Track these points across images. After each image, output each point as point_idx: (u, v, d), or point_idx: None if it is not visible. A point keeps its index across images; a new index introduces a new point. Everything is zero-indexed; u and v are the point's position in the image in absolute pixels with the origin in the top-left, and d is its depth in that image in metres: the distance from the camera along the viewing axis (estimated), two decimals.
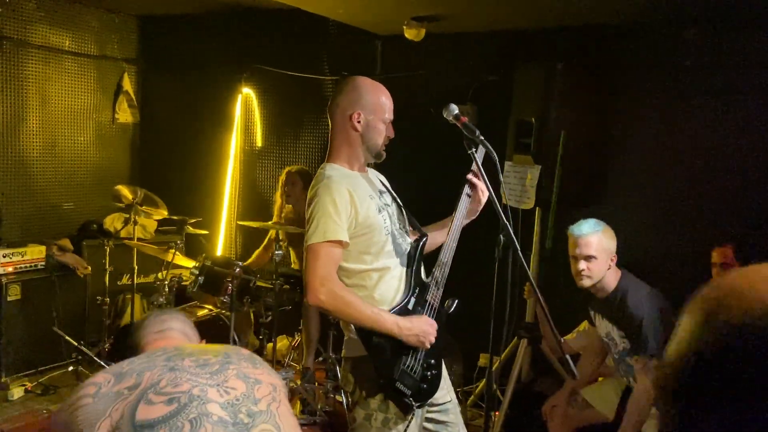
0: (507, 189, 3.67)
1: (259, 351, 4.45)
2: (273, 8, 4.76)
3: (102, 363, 3.76)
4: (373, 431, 2.08)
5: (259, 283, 3.87)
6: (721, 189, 3.63)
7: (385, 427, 2.07)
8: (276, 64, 4.97)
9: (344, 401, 3.81)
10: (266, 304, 4.01)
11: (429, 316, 2.14)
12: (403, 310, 2.10)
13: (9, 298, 4.15)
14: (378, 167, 2.37)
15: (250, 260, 4.46)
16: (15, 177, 4.77)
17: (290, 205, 4.36)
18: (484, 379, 3.92)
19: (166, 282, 3.92)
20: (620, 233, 3.82)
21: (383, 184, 2.32)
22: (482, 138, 2.09)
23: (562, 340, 3.10)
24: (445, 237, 2.21)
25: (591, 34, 3.97)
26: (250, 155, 5.31)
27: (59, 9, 4.96)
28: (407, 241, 2.22)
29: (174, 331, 1.57)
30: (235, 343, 3.72)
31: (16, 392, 4.00)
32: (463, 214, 2.22)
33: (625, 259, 3.64)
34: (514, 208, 3.58)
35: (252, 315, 4.44)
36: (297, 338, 4.39)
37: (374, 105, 2.16)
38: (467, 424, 2.41)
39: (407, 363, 2.07)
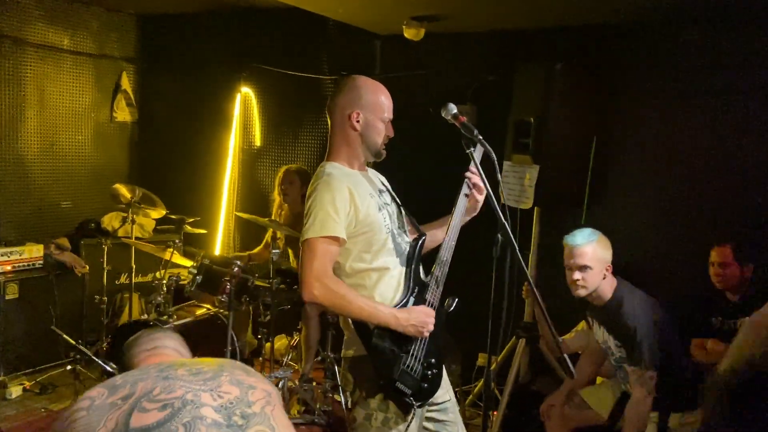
0: (506, 189, 3.66)
1: (258, 350, 4.45)
2: (272, 7, 4.77)
3: (100, 362, 3.75)
4: (373, 431, 2.08)
5: (257, 283, 3.86)
6: (721, 189, 3.63)
7: (385, 427, 2.07)
8: (275, 64, 4.97)
9: (343, 401, 3.81)
10: (264, 303, 4.00)
11: None
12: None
13: (7, 297, 4.15)
14: (377, 167, 2.37)
15: (251, 251, 4.48)
16: (13, 175, 4.76)
17: (288, 204, 4.36)
18: (483, 379, 3.93)
19: (164, 281, 3.91)
20: (620, 233, 3.82)
21: (383, 184, 2.32)
22: (480, 137, 2.08)
23: (561, 340, 3.11)
24: (443, 235, 2.21)
25: (590, 34, 3.97)
26: (249, 154, 5.31)
27: (58, 7, 4.95)
28: (406, 241, 2.22)
29: (167, 348, 1.56)
30: (233, 342, 3.72)
31: (14, 391, 4.00)
32: (461, 212, 2.22)
33: (624, 259, 3.64)
34: (513, 208, 3.57)
35: (250, 314, 4.43)
36: (296, 338, 4.38)
37: (373, 104, 2.16)
38: (466, 424, 2.41)
39: (407, 362, 2.07)
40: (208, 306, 4.10)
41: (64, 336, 3.86)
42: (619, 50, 3.92)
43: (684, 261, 3.68)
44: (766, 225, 3.47)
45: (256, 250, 4.52)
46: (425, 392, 2.11)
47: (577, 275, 2.80)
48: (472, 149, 2.12)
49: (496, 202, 2.06)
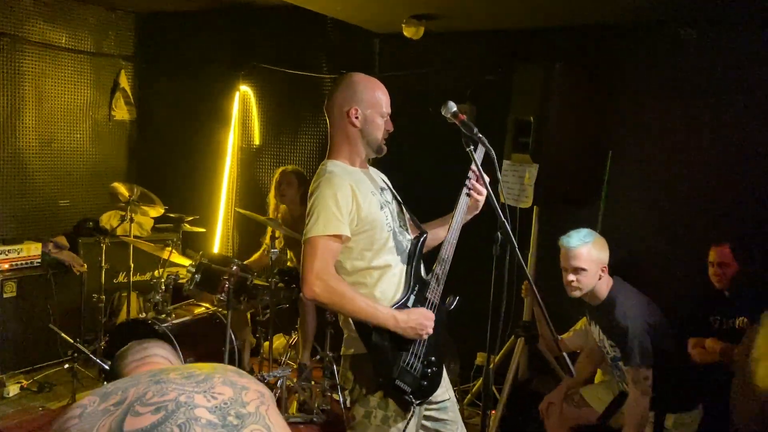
0: (505, 188, 3.67)
1: (256, 349, 4.45)
2: (271, 6, 4.76)
3: (98, 360, 3.74)
4: (372, 429, 2.07)
5: (255, 282, 3.86)
6: (720, 188, 3.64)
7: (384, 425, 2.06)
8: (274, 62, 4.96)
9: (341, 399, 3.81)
10: (263, 302, 4.00)
11: None
12: (402, 308, 2.09)
13: (5, 295, 4.14)
14: (376, 165, 2.36)
15: (249, 260, 4.46)
16: (11, 174, 4.75)
17: (285, 206, 4.34)
18: (482, 378, 3.94)
19: (163, 280, 3.91)
20: (618, 232, 3.84)
21: (384, 182, 2.32)
22: (480, 135, 2.08)
23: (559, 339, 3.11)
24: (445, 234, 2.21)
25: (590, 34, 3.97)
26: (248, 153, 5.30)
27: (56, 5, 4.94)
28: (407, 239, 2.22)
29: (157, 356, 1.55)
30: (231, 340, 3.71)
31: (12, 389, 4.00)
32: (463, 210, 2.22)
33: (623, 258, 3.65)
34: (512, 207, 3.58)
35: (249, 313, 4.43)
36: (294, 336, 4.38)
37: (370, 100, 2.15)
38: (464, 423, 2.41)
39: (407, 361, 2.06)
40: (207, 305, 4.10)
41: (62, 334, 3.85)
42: (618, 50, 3.93)
43: (683, 260, 3.68)
44: (766, 224, 3.47)
45: (253, 258, 4.45)
46: (425, 390, 2.11)
47: (571, 277, 2.81)
48: (473, 147, 2.12)
49: (495, 201, 2.07)
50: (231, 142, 5.30)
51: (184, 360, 3.35)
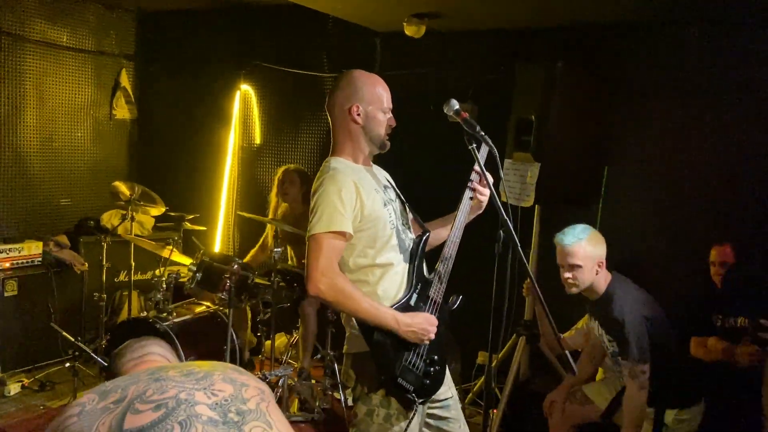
0: (507, 186, 3.66)
1: (257, 348, 4.45)
2: (272, 4, 4.76)
3: (99, 359, 3.74)
4: (374, 427, 2.07)
5: (257, 280, 3.86)
6: (722, 187, 3.63)
7: (387, 423, 2.06)
8: (275, 61, 4.96)
9: (342, 398, 3.81)
10: (264, 301, 4.00)
11: (431, 312, 2.12)
12: (404, 306, 2.09)
13: (6, 294, 4.14)
14: (376, 163, 2.36)
15: (246, 259, 4.44)
16: (12, 172, 4.75)
17: (286, 204, 4.34)
18: (483, 377, 3.93)
19: (164, 278, 3.90)
20: (620, 232, 3.84)
21: (387, 180, 2.32)
22: (483, 133, 2.08)
23: (561, 337, 3.11)
24: (446, 233, 2.20)
25: (591, 33, 3.97)
26: (249, 152, 5.30)
27: (57, 4, 4.94)
28: (410, 237, 2.21)
29: (154, 354, 1.55)
30: (233, 339, 3.71)
31: (13, 388, 4.00)
32: (466, 209, 2.21)
33: (625, 257, 3.64)
34: (514, 206, 3.57)
35: (250, 312, 4.43)
36: (295, 336, 4.38)
37: (371, 96, 2.15)
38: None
39: (409, 359, 2.06)
40: (208, 303, 4.10)
41: (63, 333, 3.84)
42: (619, 49, 3.92)
43: (684, 260, 3.68)
44: (766, 224, 3.47)
45: (249, 255, 4.45)
46: (427, 389, 2.11)
47: (567, 274, 2.82)
48: (475, 146, 2.11)
49: (498, 200, 2.06)
50: (232, 141, 5.31)
51: (186, 359, 3.36)
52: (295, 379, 3.95)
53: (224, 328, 3.73)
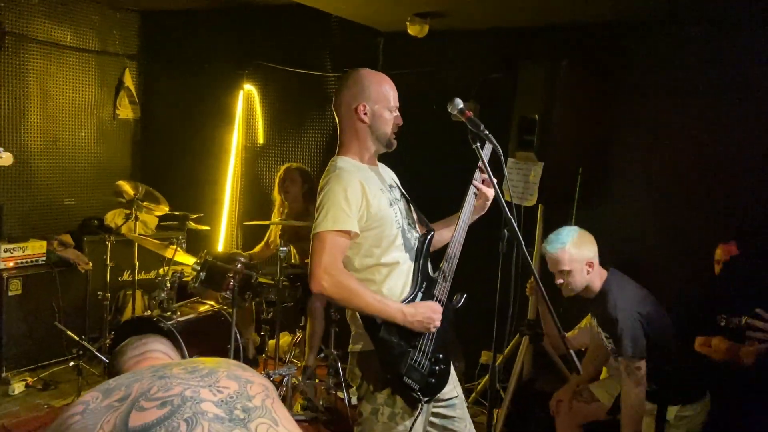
0: (510, 186, 3.66)
1: (261, 347, 4.45)
2: (275, 4, 4.76)
3: (103, 358, 3.76)
4: (379, 426, 2.07)
5: (260, 279, 3.86)
6: (726, 185, 3.63)
7: (392, 422, 2.06)
8: (278, 61, 4.96)
9: (345, 397, 3.81)
10: (268, 300, 4.00)
11: None
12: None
13: (10, 293, 4.15)
14: (381, 160, 2.36)
15: (251, 251, 4.47)
16: (16, 172, 4.76)
17: (288, 202, 4.35)
18: (487, 376, 3.93)
19: (168, 278, 3.91)
20: (624, 231, 3.84)
21: (393, 179, 2.32)
22: (487, 132, 2.08)
23: (565, 336, 3.11)
24: (452, 234, 2.20)
25: (595, 32, 3.96)
26: (252, 152, 5.31)
27: (61, 4, 4.95)
28: (415, 236, 2.21)
29: (156, 352, 1.55)
30: (236, 338, 3.71)
31: (17, 387, 4.01)
32: (470, 209, 2.22)
33: (627, 256, 3.64)
34: (517, 205, 3.57)
35: (253, 311, 4.43)
36: (298, 335, 4.38)
37: (378, 95, 2.15)
38: None
39: (415, 357, 2.06)
40: (212, 302, 4.10)
41: (67, 332, 3.86)
42: (622, 48, 3.91)
43: (689, 259, 3.67)
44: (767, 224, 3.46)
45: (256, 249, 4.52)
46: (433, 387, 2.11)
47: (559, 280, 2.84)
48: (479, 145, 2.11)
49: (502, 198, 2.06)
50: (235, 141, 5.31)
51: (190, 357, 3.36)
52: (299, 378, 3.95)
53: (228, 327, 3.73)
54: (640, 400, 2.73)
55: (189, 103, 5.45)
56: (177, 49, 5.52)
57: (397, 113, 2.20)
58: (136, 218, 4.37)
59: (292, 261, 4.41)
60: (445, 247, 2.21)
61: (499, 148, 2.10)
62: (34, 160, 4.90)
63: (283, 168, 4.40)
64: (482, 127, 2.08)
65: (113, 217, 4.95)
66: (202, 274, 3.81)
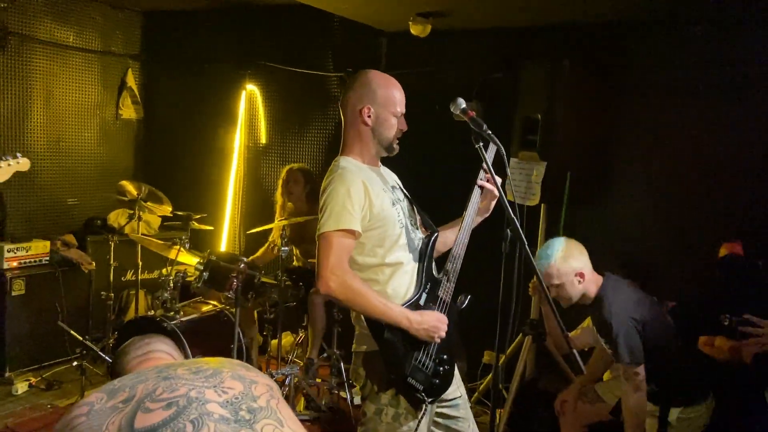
0: (512, 186, 3.67)
1: (263, 347, 4.45)
2: (277, 4, 4.77)
3: (106, 358, 3.76)
4: (383, 426, 2.07)
5: (263, 279, 3.87)
6: (729, 185, 3.63)
7: (395, 422, 2.06)
8: (280, 61, 4.97)
9: (348, 397, 3.81)
10: (271, 300, 4.01)
11: (440, 311, 2.12)
12: (414, 306, 2.09)
13: (13, 293, 4.16)
14: (387, 163, 2.36)
15: (254, 256, 4.47)
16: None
17: (292, 203, 4.35)
18: (489, 376, 3.93)
19: (171, 277, 3.91)
20: (627, 231, 3.83)
21: (395, 181, 2.32)
22: (490, 132, 2.08)
23: (569, 336, 3.10)
24: (453, 237, 2.20)
25: (597, 32, 3.96)
26: (255, 152, 5.31)
27: (64, 4, 4.96)
28: (419, 237, 2.22)
29: (160, 352, 1.54)
30: (239, 338, 3.72)
31: (21, 387, 4.01)
32: (474, 209, 2.21)
33: (627, 257, 3.64)
34: (519, 205, 3.57)
35: (256, 311, 4.44)
36: (301, 335, 4.39)
37: (384, 98, 2.15)
38: None
39: (419, 358, 2.06)
40: (215, 302, 4.10)
41: (71, 332, 3.87)
42: (625, 48, 3.91)
43: (689, 259, 3.67)
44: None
45: (259, 253, 4.48)
46: (437, 388, 2.11)
47: (553, 293, 2.80)
48: (482, 145, 2.11)
49: (505, 198, 2.06)
50: (237, 141, 5.32)
51: (193, 357, 3.36)
52: (301, 377, 3.95)
53: (231, 327, 3.74)
54: (641, 404, 2.72)
55: (192, 103, 5.46)
56: (180, 50, 5.52)
57: (402, 118, 2.20)
58: (139, 218, 4.37)
59: (295, 263, 4.41)
60: (449, 249, 2.21)
61: (502, 148, 2.10)
62: (38, 161, 4.89)
63: (285, 170, 4.40)
64: (485, 127, 2.08)
65: (116, 217, 4.96)
66: (205, 274, 3.81)
